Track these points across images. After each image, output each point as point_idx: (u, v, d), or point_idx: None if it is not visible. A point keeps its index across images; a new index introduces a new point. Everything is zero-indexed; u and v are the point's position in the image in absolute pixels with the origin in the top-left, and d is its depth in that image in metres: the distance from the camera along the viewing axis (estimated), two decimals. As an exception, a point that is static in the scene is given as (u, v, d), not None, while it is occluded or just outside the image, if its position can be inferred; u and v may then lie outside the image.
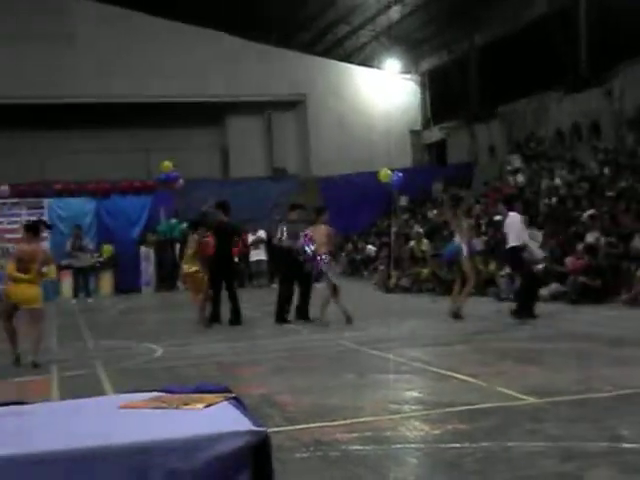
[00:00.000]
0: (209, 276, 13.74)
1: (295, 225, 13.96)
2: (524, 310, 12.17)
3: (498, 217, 19.57)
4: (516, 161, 25.01)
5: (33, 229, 10.37)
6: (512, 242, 12.63)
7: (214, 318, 13.83)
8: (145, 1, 28.82)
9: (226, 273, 14.01)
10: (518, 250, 12.75)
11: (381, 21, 29.26)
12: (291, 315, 13.68)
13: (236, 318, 13.68)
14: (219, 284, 13.91)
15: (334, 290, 13.05)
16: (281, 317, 13.62)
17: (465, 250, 12.80)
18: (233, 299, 13.77)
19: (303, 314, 13.73)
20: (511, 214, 13.05)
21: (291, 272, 13.77)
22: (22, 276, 9.83)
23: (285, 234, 13.97)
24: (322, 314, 13.02)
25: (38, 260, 9.95)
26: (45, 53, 28.61)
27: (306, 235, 13.19)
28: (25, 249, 10.19)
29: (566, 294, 14.46)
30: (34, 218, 24.28)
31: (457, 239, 13.11)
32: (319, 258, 12.96)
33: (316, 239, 13.11)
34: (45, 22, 28.57)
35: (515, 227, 12.76)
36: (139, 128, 30.65)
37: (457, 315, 12.61)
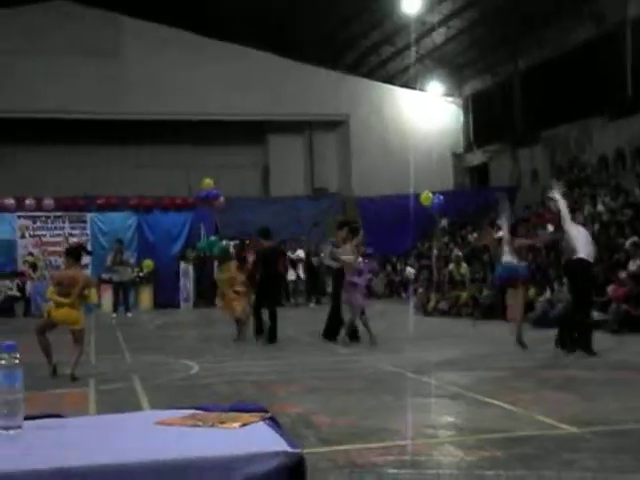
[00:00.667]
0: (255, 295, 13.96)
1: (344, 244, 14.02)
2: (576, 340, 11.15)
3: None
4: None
5: (74, 255, 10.43)
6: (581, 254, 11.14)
7: (259, 331, 13.87)
8: (192, 20, 29.16)
9: (272, 293, 14.19)
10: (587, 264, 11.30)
11: (425, 43, 29.30)
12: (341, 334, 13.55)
13: (272, 336, 13.70)
14: (262, 302, 14.02)
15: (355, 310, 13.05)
16: (330, 334, 13.58)
17: (524, 271, 12.34)
18: (273, 318, 13.82)
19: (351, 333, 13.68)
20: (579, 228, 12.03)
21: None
22: (63, 300, 9.91)
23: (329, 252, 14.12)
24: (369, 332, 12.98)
25: (79, 285, 10.01)
26: (93, 69, 29.06)
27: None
28: (65, 274, 10.28)
29: (607, 322, 14.24)
30: (76, 233, 24.78)
31: (509, 257, 12.50)
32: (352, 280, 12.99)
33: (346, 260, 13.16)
34: (96, 39, 29.05)
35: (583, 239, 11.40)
36: (181, 145, 30.97)
37: (522, 343, 11.66)
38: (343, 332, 13.34)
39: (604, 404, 7.53)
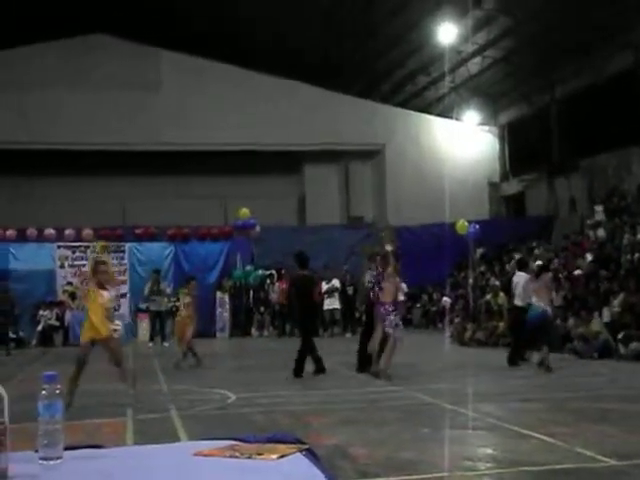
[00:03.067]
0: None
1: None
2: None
3: (578, 272, 19.27)
4: (599, 214, 24.52)
5: None
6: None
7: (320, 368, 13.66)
8: (228, 52, 29.51)
9: (303, 323, 14.11)
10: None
11: (460, 73, 29.34)
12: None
13: (297, 369, 13.45)
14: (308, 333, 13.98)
15: (384, 340, 12.79)
16: (363, 366, 13.42)
17: (549, 311, 12.34)
18: (302, 349, 13.66)
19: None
20: (519, 274, 14.39)
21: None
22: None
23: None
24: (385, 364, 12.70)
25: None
26: (132, 101, 29.49)
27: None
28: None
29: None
30: (115, 263, 25.03)
31: (535, 300, 12.60)
32: (383, 307, 12.83)
33: (384, 287, 13.01)
34: (135, 71, 29.50)
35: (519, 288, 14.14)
36: (217, 175, 31.22)
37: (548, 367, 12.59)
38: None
39: (646, 437, 7.40)
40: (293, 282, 14.34)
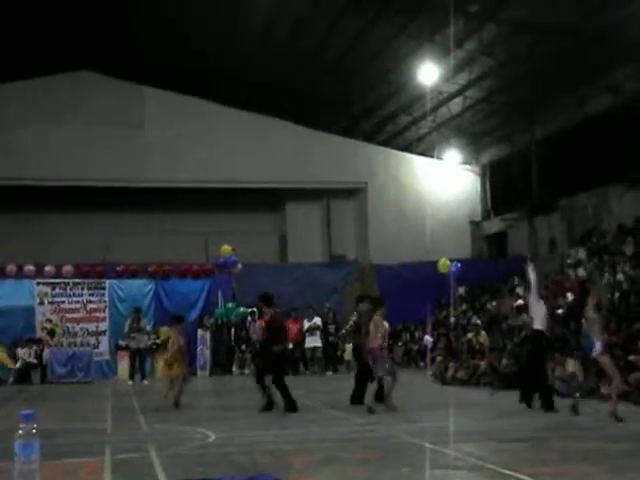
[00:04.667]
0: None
1: (364, 317, 14.19)
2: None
3: (560, 311, 19.31)
4: (581, 253, 24.65)
5: None
6: None
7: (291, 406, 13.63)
8: (211, 90, 29.67)
9: (274, 364, 13.94)
10: None
11: (442, 113, 29.60)
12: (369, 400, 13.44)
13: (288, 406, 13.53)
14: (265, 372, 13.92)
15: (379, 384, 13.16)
16: (357, 399, 13.83)
17: (599, 346, 12.12)
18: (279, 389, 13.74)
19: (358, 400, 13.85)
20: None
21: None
22: None
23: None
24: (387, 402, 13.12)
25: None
26: (116, 138, 29.53)
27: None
28: None
29: (631, 394, 13.99)
30: (94, 300, 24.93)
31: (586, 330, 12.39)
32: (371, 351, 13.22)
33: (371, 331, 13.19)
34: (112, 106, 29.55)
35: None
36: (199, 212, 31.28)
37: (618, 418, 11.51)
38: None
39: (628, 477, 7.37)
40: (271, 319, 14.31)
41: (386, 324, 13.99)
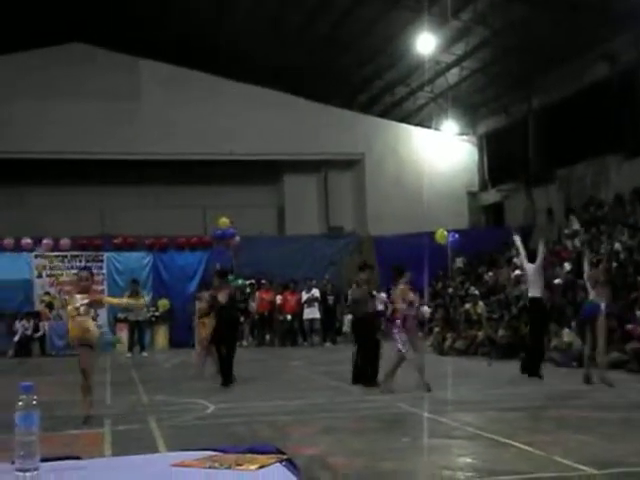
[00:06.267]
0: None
1: (365, 286, 13.87)
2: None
3: (558, 280, 19.33)
4: (575, 224, 24.65)
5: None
6: None
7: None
8: (208, 61, 29.50)
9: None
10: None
11: (439, 83, 29.45)
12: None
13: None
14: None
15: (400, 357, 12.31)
16: (359, 378, 13.15)
17: (603, 307, 12.16)
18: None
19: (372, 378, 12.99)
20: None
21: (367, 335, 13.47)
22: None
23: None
24: (387, 380, 12.26)
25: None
26: (109, 110, 29.35)
27: (389, 297, 13.15)
28: None
29: (627, 362, 14.07)
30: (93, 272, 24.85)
31: (592, 296, 12.39)
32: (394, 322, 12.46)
33: (395, 301, 12.71)
34: (107, 79, 29.33)
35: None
36: (197, 184, 31.18)
37: (609, 383, 11.70)
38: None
39: (623, 445, 7.43)
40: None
41: (381, 294, 13.85)
